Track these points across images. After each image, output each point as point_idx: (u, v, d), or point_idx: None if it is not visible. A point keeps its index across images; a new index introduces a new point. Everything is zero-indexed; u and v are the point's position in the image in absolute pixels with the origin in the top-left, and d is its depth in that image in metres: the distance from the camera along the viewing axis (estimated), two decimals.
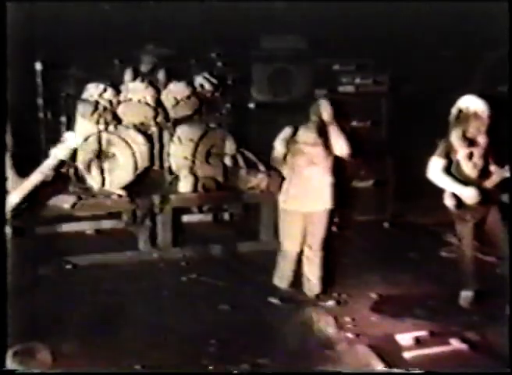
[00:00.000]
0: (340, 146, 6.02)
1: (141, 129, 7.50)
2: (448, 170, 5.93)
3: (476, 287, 6.00)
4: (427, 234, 8.05)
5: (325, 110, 6.08)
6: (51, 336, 5.25)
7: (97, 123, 7.37)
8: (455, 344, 5.23)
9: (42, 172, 6.89)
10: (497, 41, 7.10)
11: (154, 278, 6.76)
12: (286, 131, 6.14)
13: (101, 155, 7.41)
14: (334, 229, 7.12)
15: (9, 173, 6.60)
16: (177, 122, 7.58)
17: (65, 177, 7.17)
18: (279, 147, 6.15)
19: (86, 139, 7.37)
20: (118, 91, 7.43)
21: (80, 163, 7.36)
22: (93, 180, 7.38)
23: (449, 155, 5.94)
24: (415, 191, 7.77)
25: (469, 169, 5.90)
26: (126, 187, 7.41)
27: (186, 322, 5.65)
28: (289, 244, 6.22)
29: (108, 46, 7.36)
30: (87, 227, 8.11)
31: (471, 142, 5.87)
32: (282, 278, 6.30)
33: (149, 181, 7.51)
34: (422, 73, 8.32)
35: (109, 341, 5.28)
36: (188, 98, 7.58)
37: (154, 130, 7.53)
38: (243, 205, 8.24)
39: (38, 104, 7.47)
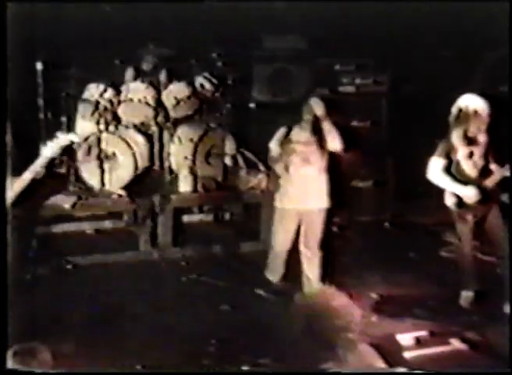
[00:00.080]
0: (334, 141, 6.06)
1: (141, 129, 7.51)
2: (448, 170, 5.93)
3: (476, 287, 6.00)
4: (427, 234, 8.04)
5: (317, 106, 6.13)
6: (51, 336, 5.25)
7: (98, 123, 7.38)
8: (455, 344, 5.23)
9: (32, 170, 6.88)
10: (497, 41, 7.10)
11: (155, 278, 6.76)
12: (280, 132, 6.22)
13: (101, 155, 7.42)
14: (335, 229, 7.16)
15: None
16: (177, 122, 7.58)
17: (59, 175, 7.15)
18: (273, 147, 6.24)
19: (86, 139, 7.38)
20: (118, 91, 7.44)
21: (80, 163, 7.36)
22: (93, 180, 7.39)
23: (449, 154, 5.94)
24: (415, 191, 7.77)
25: (469, 169, 5.90)
26: (126, 187, 7.41)
27: (186, 322, 5.66)
28: (281, 242, 6.29)
29: (109, 46, 7.35)
30: (87, 227, 8.10)
31: (471, 141, 5.87)
32: (273, 271, 6.38)
33: (149, 181, 7.51)
34: (422, 73, 8.31)
35: (109, 341, 5.28)
36: (188, 98, 7.58)
37: (154, 130, 7.53)
38: (243, 205, 8.23)
39: (38, 104, 7.46)
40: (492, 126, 5.84)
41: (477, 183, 5.84)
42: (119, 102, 7.44)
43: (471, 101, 5.87)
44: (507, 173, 5.79)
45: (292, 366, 4.93)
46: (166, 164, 7.57)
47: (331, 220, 6.24)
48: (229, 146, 7.71)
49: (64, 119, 7.44)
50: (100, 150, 7.41)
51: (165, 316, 5.79)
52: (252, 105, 8.46)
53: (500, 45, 7.23)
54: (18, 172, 6.76)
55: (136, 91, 7.46)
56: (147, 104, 7.48)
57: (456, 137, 5.90)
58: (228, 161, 7.71)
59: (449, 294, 6.08)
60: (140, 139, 7.48)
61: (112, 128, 7.43)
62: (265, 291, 6.25)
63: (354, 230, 7.87)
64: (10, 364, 4.72)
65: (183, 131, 7.60)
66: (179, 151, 7.57)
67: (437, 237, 7.77)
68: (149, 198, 7.39)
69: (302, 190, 6.11)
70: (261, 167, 7.45)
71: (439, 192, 6.01)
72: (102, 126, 7.39)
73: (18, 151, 7.03)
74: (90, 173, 7.43)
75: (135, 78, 7.42)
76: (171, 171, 7.58)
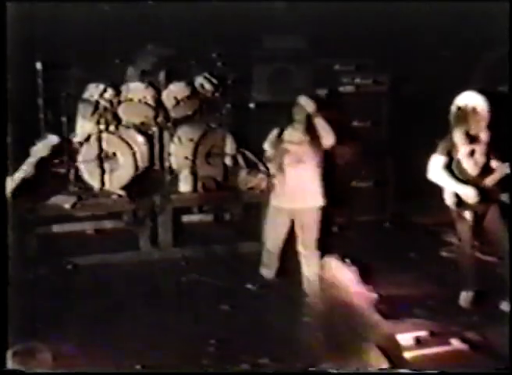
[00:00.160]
0: (327, 135, 6.14)
1: (142, 129, 7.51)
2: (449, 168, 5.92)
3: (476, 287, 5.99)
4: (427, 234, 8.04)
5: (308, 104, 6.23)
6: (51, 336, 5.25)
7: (98, 123, 7.38)
8: (455, 344, 5.23)
9: (23, 170, 6.90)
10: (497, 41, 7.10)
11: (154, 278, 6.76)
12: (273, 133, 6.38)
13: (101, 155, 7.42)
14: (335, 229, 7.16)
15: None
16: (177, 122, 7.58)
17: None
18: (267, 148, 6.42)
19: (86, 139, 7.38)
20: (118, 91, 7.44)
21: (81, 163, 7.36)
22: (93, 180, 7.39)
23: (450, 153, 5.93)
24: (415, 191, 7.77)
25: (470, 167, 5.88)
26: (126, 187, 7.41)
27: (186, 322, 5.65)
28: (272, 240, 6.39)
29: (108, 46, 7.36)
30: (87, 227, 8.11)
31: (472, 139, 5.86)
32: (268, 267, 6.44)
33: (149, 181, 7.51)
34: (422, 73, 8.32)
35: (109, 341, 5.28)
36: (188, 98, 7.59)
37: (154, 130, 7.53)
38: (244, 205, 8.23)
39: (38, 104, 7.46)
40: (494, 123, 5.82)
41: (477, 182, 5.83)
42: (119, 102, 7.44)
43: (470, 99, 5.86)
44: (507, 171, 5.77)
45: (292, 366, 4.92)
46: (166, 164, 7.57)
47: (327, 219, 6.23)
48: (229, 146, 7.71)
49: (64, 119, 7.44)
50: (100, 150, 7.41)
51: (165, 316, 5.79)
52: (252, 105, 8.47)
53: (500, 45, 7.23)
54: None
55: (136, 91, 7.46)
56: (147, 104, 7.48)
57: (457, 135, 5.89)
58: (228, 161, 7.71)
59: (449, 294, 6.08)
60: (140, 139, 7.48)
61: (112, 128, 7.43)
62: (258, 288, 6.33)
63: (354, 230, 7.87)
64: (10, 364, 4.72)
65: (183, 131, 7.60)
66: (179, 152, 7.57)
67: (437, 237, 7.77)
68: (149, 198, 7.39)
69: (295, 189, 6.18)
70: (261, 167, 7.45)
71: (439, 192, 6.00)
72: (102, 126, 7.39)
73: (18, 151, 7.05)
74: (90, 173, 7.43)
75: (139, 76, 7.43)
76: (171, 171, 7.58)
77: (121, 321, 5.65)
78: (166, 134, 7.55)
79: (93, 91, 7.40)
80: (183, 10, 7.41)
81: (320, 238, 6.17)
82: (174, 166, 7.57)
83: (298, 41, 8.57)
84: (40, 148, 7.18)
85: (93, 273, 6.83)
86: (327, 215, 6.22)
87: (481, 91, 5.90)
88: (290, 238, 6.31)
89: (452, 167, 5.93)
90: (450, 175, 5.91)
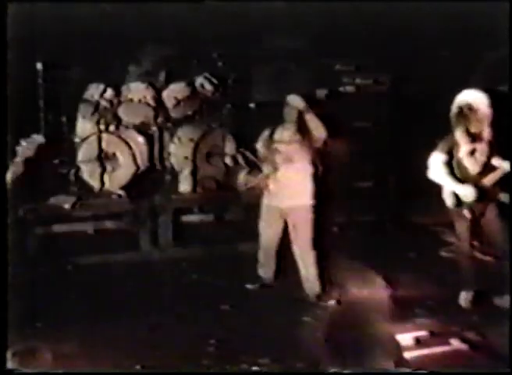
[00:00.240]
0: (318, 129, 6.15)
1: (142, 129, 7.52)
2: (449, 166, 5.92)
3: (476, 287, 5.99)
4: (427, 234, 8.04)
5: (297, 101, 6.26)
6: (51, 336, 5.25)
7: (98, 123, 7.38)
8: (455, 344, 5.23)
9: (12, 170, 6.91)
10: (497, 41, 7.10)
11: (154, 278, 6.76)
12: (265, 133, 6.45)
13: (101, 155, 7.42)
14: (335, 229, 7.16)
15: None
16: (177, 122, 7.58)
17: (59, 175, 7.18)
18: (259, 148, 6.51)
19: (86, 139, 7.38)
20: (118, 91, 7.44)
21: (81, 163, 7.36)
22: (93, 180, 7.39)
23: (450, 151, 5.93)
24: (415, 191, 7.77)
25: (471, 166, 5.87)
26: (126, 187, 7.41)
27: (186, 322, 5.66)
28: (267, 239, 6.39)
29: (109, 46, 7.36)
30: (87, 227, 8.10)
31: (474, 138, 5.85)
32: (265, 268, 6.43)
33: (149, 181, 7.52)
34: (422, 73, 8.32)
35: (109, 341, 5.28)
36: (188, 98, 7.59)
37: (154, 130, 7.54)
38: (243, 205, 8.23)
39: (38, 104, 7.47)
40: (496, 121, 5.80)
41: (476, 180, 5.83)
42: (119, 102, 7.44)
43: (470, 97, 5.86)
44: (507, 168, 5.75)
45: (292, 366, 4.92)
46: (166, 164, 7.57)
47: (321, 219, 6.21)
48: (229, 146, 7.71)
49: (64, 119, 7.44)
50: (100, 150, 7.41)
51: (165, 316, 5.79)
52: (252, 105, 8.47)
53: (500, 45, 7.22)
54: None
55: (136, 91, 7.47)
56: (147, 104, 7.48)
57: (458, 134, 5.88)
58: (228, 161, 7.72)
59: (449, 294, 6.07)
60: (140, 139, 7.49)
61: (112, 128, 7.43)
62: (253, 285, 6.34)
63: (354, 230, 7.87)
64: (10, 364, 4.72)
65: (183, 131, 7.60)
66: (179, 152, 7.58)
67: (437, 237, 7.77)
68: (149, 198, 7.39)
69: (286, 188, 6.19)
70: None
71: (439, 192, 6.00)
72: (102, 127, 7.40)
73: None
74: (90, 173, 7.43)
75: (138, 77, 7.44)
76: (171, 171, 7.58)
77: (121, 321, 5.65)
78: (166, 134, 7.56)
79: (93, 91, 7.40)
80: (183, 10, 7.40)
81: (315, 238, 6.15)
82: (174, 166, 7.57)
83: (298, 41, 8.57)
84: (26, 148, 7.18)
85: (93, 273, 6.84)
86: (320, 214, 6.19)
87: (481, 89, 5.89)
88: (286, 239, 6.30)
89: (452, 165, 5.93)
90: (450, 173, 5.90)
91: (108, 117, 7.40)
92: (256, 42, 8.44)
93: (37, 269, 6.67)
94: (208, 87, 7.64)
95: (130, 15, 7.42)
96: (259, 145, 6.51)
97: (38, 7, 6.71)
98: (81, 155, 7.38)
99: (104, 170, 7.42)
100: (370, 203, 8.46)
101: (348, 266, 6.75)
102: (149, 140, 7.52)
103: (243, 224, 8.24)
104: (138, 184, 7.48)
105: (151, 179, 7.56)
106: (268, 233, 6.39)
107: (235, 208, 8.47)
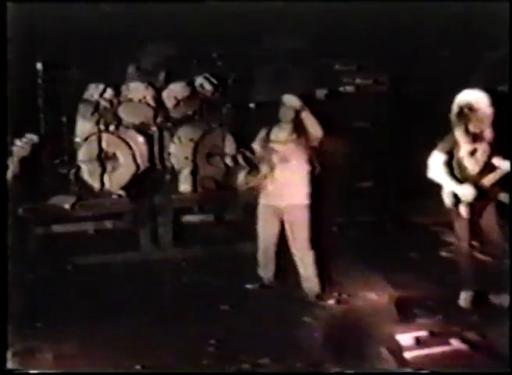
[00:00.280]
0: (314, 127, 6.18)
1: (142, 129, 7.51)
2: (449, 166, 5.92)
3: (476, 287, 5.99)
4: (427, 234, 8.04)
5: (292, 100, 6.28)
6: (51, 336, 5.25)
7: (98, 123, 7.38)
8: (455, 344, 5.22)
9: (10, 170, 6.91)
10: (497, 41, 7.10)
11: (155, 278, 6.76)
12: (261, 133, 6.47)
13: (101, 155, 7.42)
14: (334, 229, 7.15)
15: None
16: (177, 122, 7.58)
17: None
18: (256, 148, 6.54)
19: (86, 139, 7.38)
20: (118, 91, 7.44)
21: (81, 163, 7.36)
22: (93, 180, 7.39)
23: (451, 150, 5.92)
24: (415, 191, 7.77)
25: (471, 166, 5.87)
26: (126, 187, 7.41)
27: (186, 322, 5.65)
28: (265, 239, 6.38)
29: (109, 46, 7.37)
30: (87, 227, 8.11)
31: (475, 138, 5.84)
32: (266, 269, 6.41)
33: (149, 181, 7.52)
34: (422, 73, 8.32)
35: (109, 341, 5.28)
36: (188, 98, 7.58)
37: (154, 130, 7.54)
38: (243, 205, 8.23)
39: (38, 104, 7.47)
40: (496, 121, 5.79)
41: (476, 180, 5.82)
42: (119, 102, 7.44)
43: (471, 97, 5.85)
44: (507, 168, 5.75)
45: (292, 366, 4.92)
46: (166, 164, 7.57)
47: (318, 218, 6.20)
48: (229, 146, 7.71)
49: (64, 119, 7.44)
50: (100, 150, 7.41)
51: (165, 315, 5.79)
52: (252, 105, 8.47)
53: (500, 45, 7.23)
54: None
55: (136, 91, 7.46)
56: (147, 104, 7.48)
57: (459, 134, 5.88)
58: (228, 161, 7.72)
59: (449, 294, 6.07)
60: (140, 139, 7.48)
61: (112, 128, 7.43)
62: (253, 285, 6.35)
63: (354, 230, 7.87)
64: (10, 364, 4.72)
65: (183, 131, 7.60)
66: (179, 151, 7.57)
67: (437, 237, 7.76)
68: (149, 198, 7.39)
69: (283, 187, 6.20)
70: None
71: (439, 192, 6.00)
72: (102, 127, 7.40)
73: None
74: (90, 173, 7.43)
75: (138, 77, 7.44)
76: (171, 171, 7.58)
77: (121, 321, 5.65)
78: (166, 134, 7.55)
79: (93, 91, 7.40)
80: (183, 10, 7.41)
81: (312, 237, 6.15)
82: (174, 166, 7.57)
83: (298, 41, 8.57)
84: (20, 148, 7.18)
85: (93, 273, 6.84)
86: (317, 213, 6.18)
87: (482, 89, 5.88)
88: (285, 239, 6.30)
89: (452, 165, 5.92)
90: (450, 173, 5.90)
91: (107, 117, 7.39)
92: (256, 42, 8.45)
93: (37, 269, 6.67)
94: (208, 87, 7.64)
95: (130, 15, 7.43)
96: (255, 145, 6.55)
97: (38, 7, 6.72)
98: (81, 155, 7.38)
99: (104, 170, 7.42)
100: (370, 203, 8.46)
101: (348, 266, 6.75)
102: (149, 140, 7.51)
103: (242, 224, 8.24)
104: (138, 184, 7.47)
105: (151, 179, 7.56)
106: (266, 233, 6.39)
107: (235, 209, 8.48)
